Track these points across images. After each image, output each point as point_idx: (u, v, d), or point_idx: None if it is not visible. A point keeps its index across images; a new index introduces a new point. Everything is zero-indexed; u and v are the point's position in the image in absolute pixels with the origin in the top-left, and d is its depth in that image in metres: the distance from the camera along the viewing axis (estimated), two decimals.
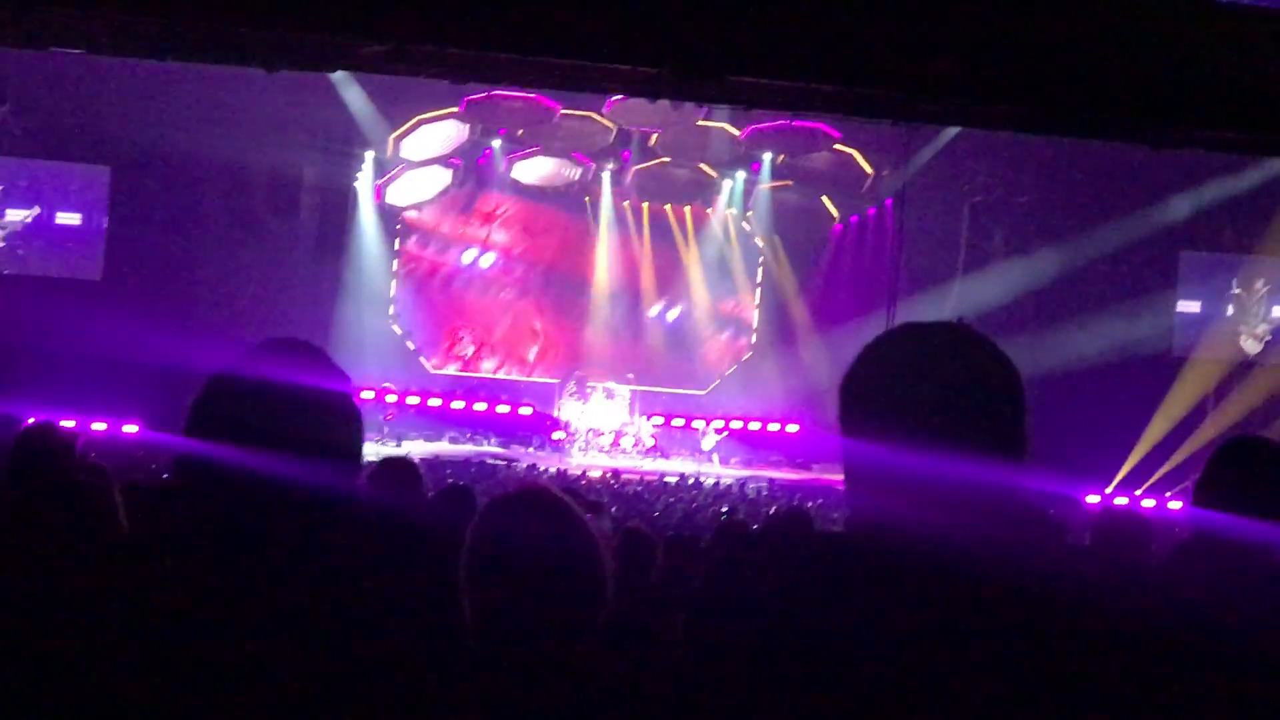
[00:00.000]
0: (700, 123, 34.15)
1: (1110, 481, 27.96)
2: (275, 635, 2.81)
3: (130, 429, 26.76)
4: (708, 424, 35.17)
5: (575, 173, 35.94)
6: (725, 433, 35.16)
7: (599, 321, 37.64)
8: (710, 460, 34.25)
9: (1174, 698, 2.67)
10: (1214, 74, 13.29)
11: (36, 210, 31.32)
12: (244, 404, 2.93)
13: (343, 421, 3.06)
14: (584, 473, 30.01)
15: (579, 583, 3.93)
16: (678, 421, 35.28)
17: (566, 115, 33.69)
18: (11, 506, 6.16)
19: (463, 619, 3.86)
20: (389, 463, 9.23)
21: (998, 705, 2.45)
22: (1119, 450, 29.44)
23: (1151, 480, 29.39)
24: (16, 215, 31.29)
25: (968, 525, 2.49)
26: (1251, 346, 33.20)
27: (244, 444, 2.88)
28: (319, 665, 2.81)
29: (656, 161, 35.92)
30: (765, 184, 36.46)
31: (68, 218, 31.45)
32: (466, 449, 33.49)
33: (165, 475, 17.70)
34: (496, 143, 35.40)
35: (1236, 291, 33.23)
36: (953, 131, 30.33)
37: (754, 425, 35.84)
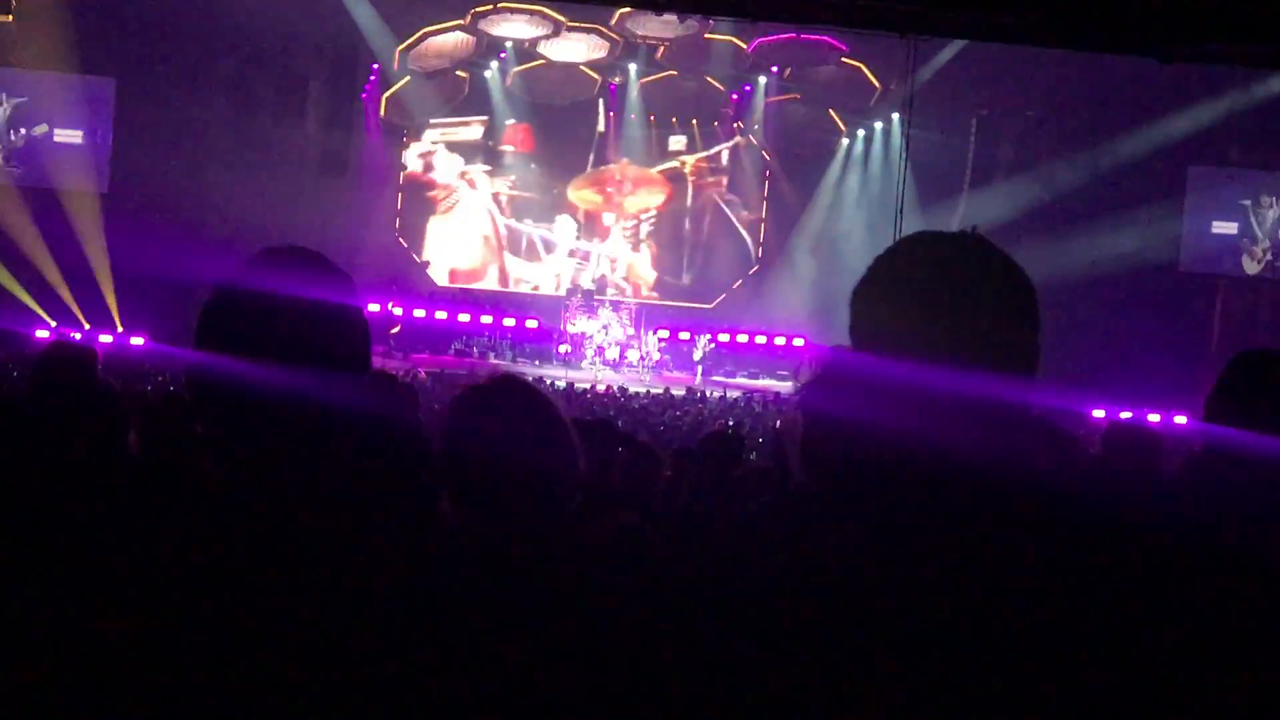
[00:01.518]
0: (707, 35, 34.05)
1: (1117, 395, 27.95)
2: (284, 548, 2.80)
3: (137, 341, 26.78)
4: (694, 335, 35.14)
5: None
6: (713, 345, 35.14)
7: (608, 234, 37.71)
8: (695, 372, 34.29)
9: (1184, 612, 2.66)
10: None
11: (80, 133, 31.28)
12: (249, 315, 2.91)
13: (349, 329, 3.04)
14: (591, 386, 30.04)
15: (553, 459, 3.95)
16: (684, 335, 35.24)
17: (573, 28, 33.61)
18: (34, 423, 6.15)
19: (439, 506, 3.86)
20: (379, 378, 9.22)
21: (1009, 616, 2.44)
22: (1126, 364, 29.42)
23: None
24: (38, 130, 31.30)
25: (976, 435, 2.47)
26: (1250, 267, 33.15)
27: (253, 355, 2.87)
28: (326, 576, 2.81)
29: (663, 74, 35.82)
30: (772, 97, 36.39)
31: (70, 134, 31.35)
32: (473, 361, 33.52)
33: (172, 388, 17.73)
34: (503, 54, 35.30)
35: (1244, 203, 33.14)
36: (959, 45, 30.22)
37: (760, 339, 35.84)
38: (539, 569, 3.66)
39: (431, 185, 36.86)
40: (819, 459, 2.75)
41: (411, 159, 36.68)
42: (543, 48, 35.11)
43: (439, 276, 36.77)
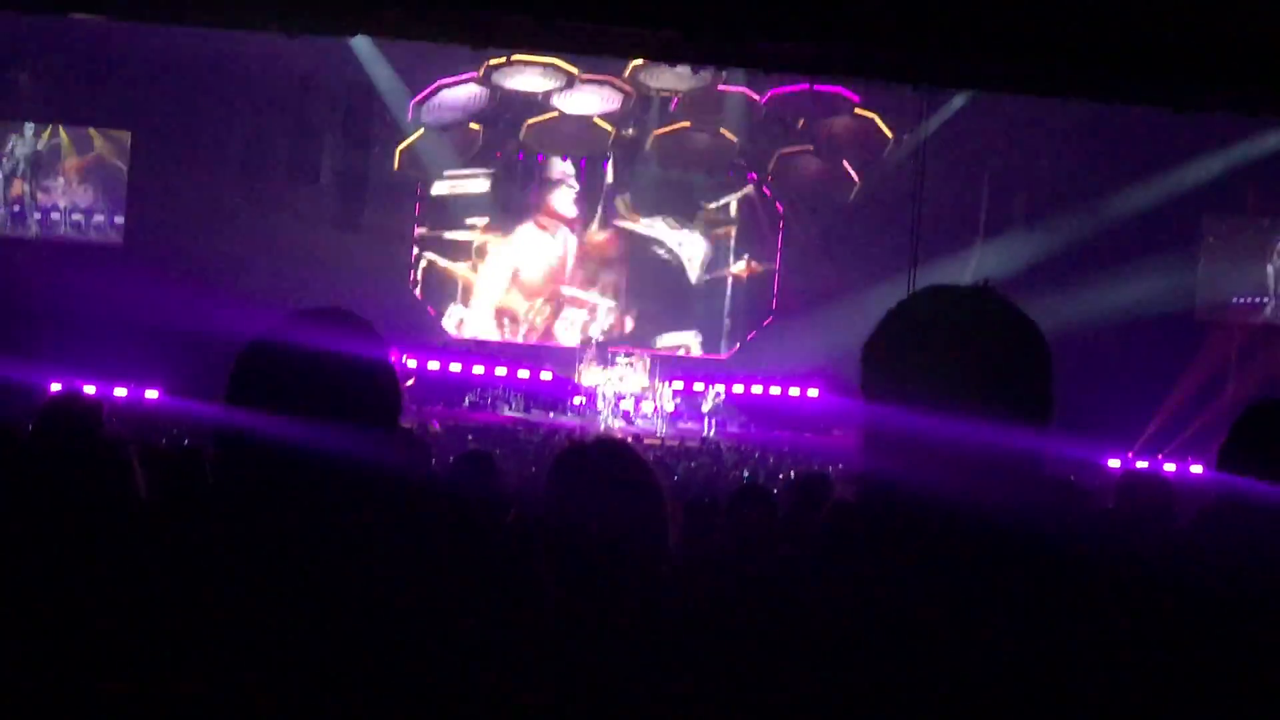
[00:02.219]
0: (721, 87, 34.14)
1: (1132, 445, 27.94)
2: (309, 608, 2.81)
3: (151, 394, 26.82)
4: (708, 387, 35.19)
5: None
6: (722, 397, 35.17)
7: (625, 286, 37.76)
8: (705, 424, 34.31)
9: (1197, 662, 2.66)
10: (1235, 33, 13.24)
11: (62, 181, 31.40)
12: (284, 371, 2.94)
13: (381, 388, 3.06)
14: None
15: (649, 530, 3.97)
16: (698, 386, 35.25)
17: (586, 79, 33.71)
18: (36, 476, 6.17)
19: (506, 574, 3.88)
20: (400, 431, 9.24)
21: (1021, 669, 2.44)
22: (1141, 413, 29.40)
23: (1172, 444, 29.39)
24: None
25: (990, 490, 2.48)
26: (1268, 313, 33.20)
27: (284, 412, 2.89)
28: (350, 634, 2.81)
29: (677, 126, 35.91)
30: (785, 149, 36.48)
31: (86, 188, 31.47)
32: (487, 414, 33.57)
33: (186, 441, 17.74)
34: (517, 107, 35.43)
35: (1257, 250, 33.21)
36: (971, 95, 30.29)
37: (775, 390, 35.85)
38: (627, 642, 3.67)
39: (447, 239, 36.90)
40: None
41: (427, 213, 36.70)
42: (556, 100, 35.17)
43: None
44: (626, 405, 34.65)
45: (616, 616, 3.77)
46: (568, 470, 4.10)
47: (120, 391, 26.28)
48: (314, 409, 2.90)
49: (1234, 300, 33.27)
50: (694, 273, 38.06)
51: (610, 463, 4.08)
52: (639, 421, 33.98)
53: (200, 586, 2.79)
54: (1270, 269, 33.15)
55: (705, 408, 34.80)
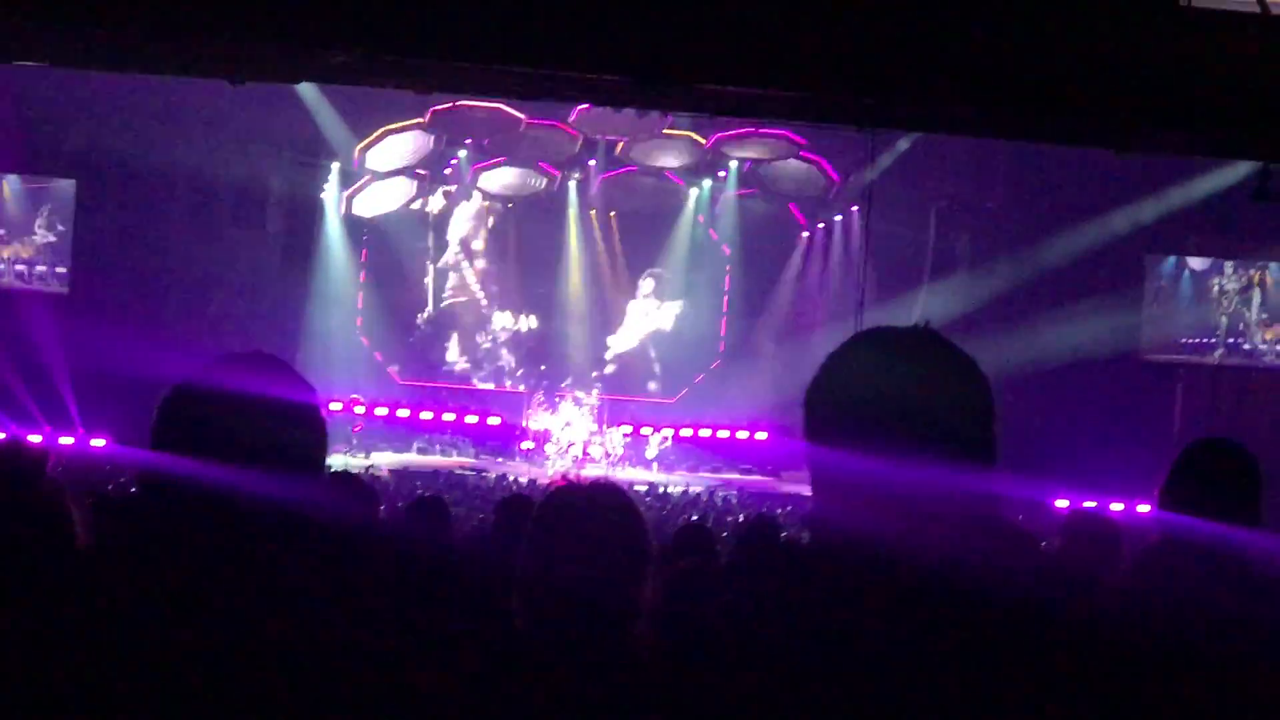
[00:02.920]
0: (666, 131, 34.17)
1: (1078, 485, 27.99)
2: (235, 648, 2.80)
3: (98, 443, 26.68)
4: (655, 431, 35.22)
5: (541, 182, 35.96)
6: (668, 442, 35.22)
7: (567, 330, 37.74)
8: (652, 467, 34.31)
9: (1142, 705, 2.67)
10: (1177, 77, 13.34)
11: (40, 234, 31.23)
12: (207, 415, 2.93)
13: (306, 432, 3.05)
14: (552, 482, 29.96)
15: (628, 583, 3.96)
16: (646, 430, 35.25)
17: (532, 124, 33.73)
18: None
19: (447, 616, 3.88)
20: (340, 477, 9.24)
21: (969, 711, 2.45)
22: (1087, 454, 29.46)
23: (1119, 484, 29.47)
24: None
25: (935, 534, 2.49)
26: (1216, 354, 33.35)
27: (208, 456, 2.88)
28: (281, 677, 2.80)
29: (623, 170, 35.95)
30: (731, 191, 36.55)
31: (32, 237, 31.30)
32: (435, 459, 33.51)
33: (133, 489, 17.66)
34: (463, 153, 35.43)
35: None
36: (916, 137, 30.39)
37: (723, 433, 35.87)
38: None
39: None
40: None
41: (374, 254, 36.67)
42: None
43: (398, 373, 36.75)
44: (575, 450, 34.62)
45: (586, 669, 3.77)
46: (556, 518, 4.08)
47: (67, 440, 26.11)
48: (237, 453, 2.89)
49: (1178, 340, 33.42)
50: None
51: (602, 516, 4.06)
52: (588, 466, 33.92)
53: (129, 632, 2.78)
54: (1214, 310, 33.32)
55: (650, 454, 34.82)
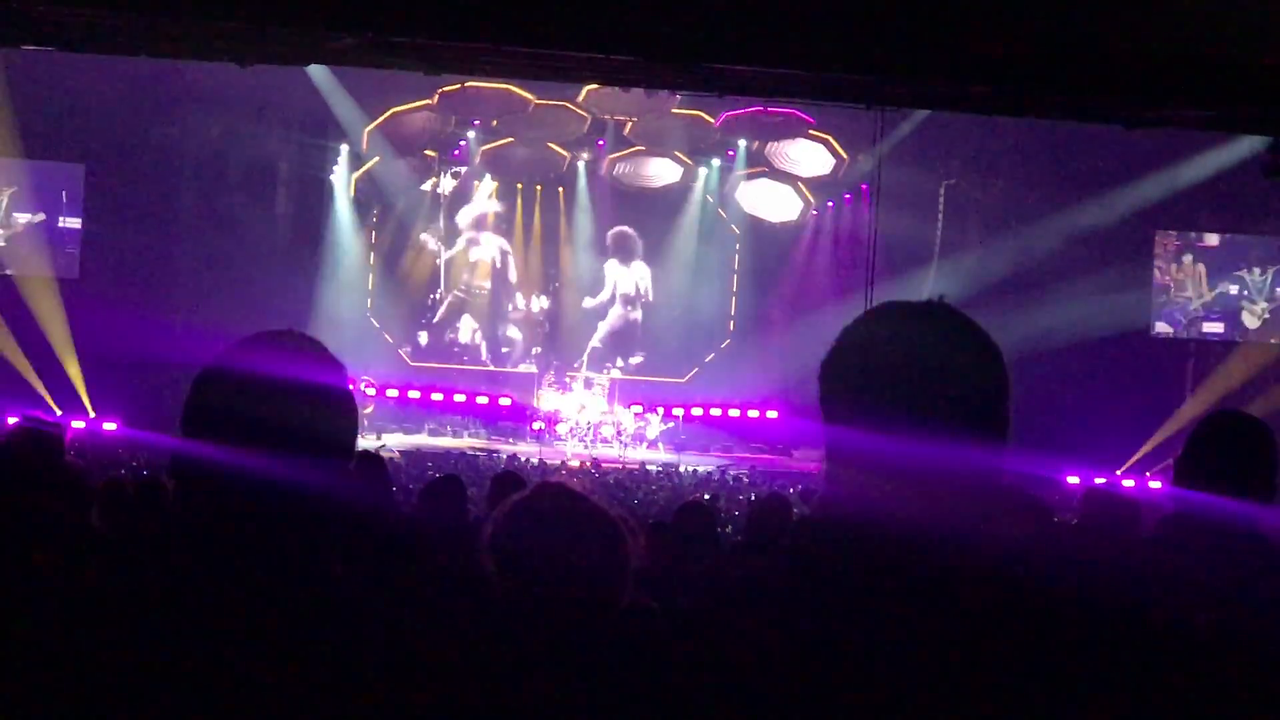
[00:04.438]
0: (675, 110, 34.13)
1: (1090, 462, 27.94)
2: (269, 636, 2.79)
3: (109, 426, 26.71)
4: (649, 411, 35.23)
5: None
6: (670, 422, 35.24)
7: (579, 310, 37.74)
8: (656, 447, 34.32)
9: (1160, 676, 2.67)
10: (1186, 51, 13.30)
11: (42, 216, 31.20)
12: (239, 399, 2.89)
13: (339, 416, 3.01)
14: (564, 462, 30.03)
15: (602, 571, 3.98)
16: (659, 410, 35.27)
17: (540, 105, 33.70)
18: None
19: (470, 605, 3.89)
20: (362, 458, 9.23)
21: (989, 688, 2.44)
22: (1099, 430, 29.43)
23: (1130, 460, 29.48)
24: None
25: (949, 507, 2.48)
26: (1251, 321, 33.37)
27: (240, 441, 2.85)
28: (311, 664, 2.79)
29: (631, 150, 35.92)
30: (741, 171, 36.52)
31: (24, 216, 31.26)
32: (446, 441, 33.54)
33: (145, 472, 17.67)
34: (471, 134, 35.41)
35: (1241, 273, 33.40)
36: (925, 115, 30.33)
37: (734, 412, 35.89)
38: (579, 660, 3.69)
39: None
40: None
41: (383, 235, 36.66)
42: (511, 125, 35.22)
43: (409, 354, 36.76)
44: (586, 430, 34.65)
45: (575, 652, 3.79)
46: (520, 520, 4.10)
47: (78, 424, 26.14)
48: (270, 438, 2.85)
49: (1188, 316, 33.41)
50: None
51: (562, 512, 4.08)
52: (599, 446, 33.96)
53: (156, 619, 2.77)
54: (1226, 285, 33.33)
55: (651, 434, 34.83)
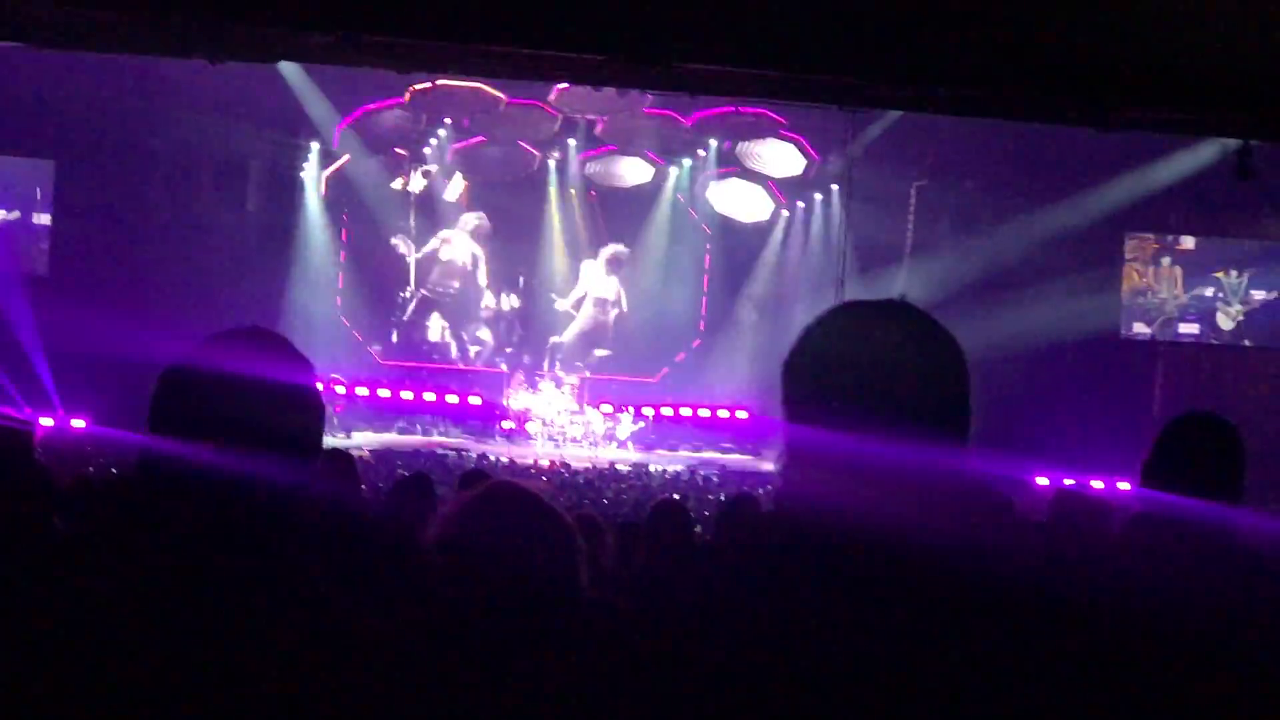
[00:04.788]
0: (646, 110, 34.15)
1: (1059, 463, 28.04)
2: (234, 634, 2.78)
3: (78, 423, 26.63)
4: (620, 411, 35.25)
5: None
6: (642, 423, 35.28)
7: (548, 309, 37.74)
8: (626, 447, 34.33)
9: (1125, 675, 2.67)
10: (1157, 54, 13.34)
11: (18, 214, 31.15)
12: (205, 396, 2.89)
13: (305, 413, 3.02)
14: (534, 461, 30.03)
15: (554, 572, 3.98)
16: (607, 408, 35.31)
17: (512, 104, 33.69)
18: None
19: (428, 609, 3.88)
20: (329, 455, 9.23)
21: (951, 685, 2.44)
22: (1067, 432, 29.51)
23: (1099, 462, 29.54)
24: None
25: (910, 505, 2.49)
26: (1225, 323, 33.50)
27: (206, 438, 2.84)
28: (281, 663, 2.79)
29: (603, 149, 35.94)
30: (712, 170, 36.54)
31: (7, 214, 31.22)
32: (416, 439, 33.52)
33: (113, 470, 17.64)
34: (442, 132, 35.39)
35: (1217, 275, 33.54)
36: (897, 115, 30.36)
37: (704, 412, 35.94)
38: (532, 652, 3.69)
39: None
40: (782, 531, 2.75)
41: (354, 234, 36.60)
42: (482, 124, 35.22)
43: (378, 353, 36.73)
44: (555, 430, 34.67)
45: (531, 651, 3.80)
46: (473, 519, 4.10)
47: (47, 421, 26.06)
48: (236, 435, 2.85)
49: (1157, 318, 33.53)
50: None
51: (511, 510, 4.09)
52: (569, 445, 33.98)
53: (122, 618, 2.76)
54: (1202, 288, 33.47)
55: (622, 434, 34.84)
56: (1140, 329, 33.59)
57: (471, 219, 37.07)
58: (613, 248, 37.69)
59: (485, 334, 37.63)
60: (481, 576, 3.93)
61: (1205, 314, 33.63)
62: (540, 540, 4.01)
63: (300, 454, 2.96)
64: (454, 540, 4.03)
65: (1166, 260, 33.74)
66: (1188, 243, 33.70)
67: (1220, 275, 33.48)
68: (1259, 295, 33.39)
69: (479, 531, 4.02)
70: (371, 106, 33.74)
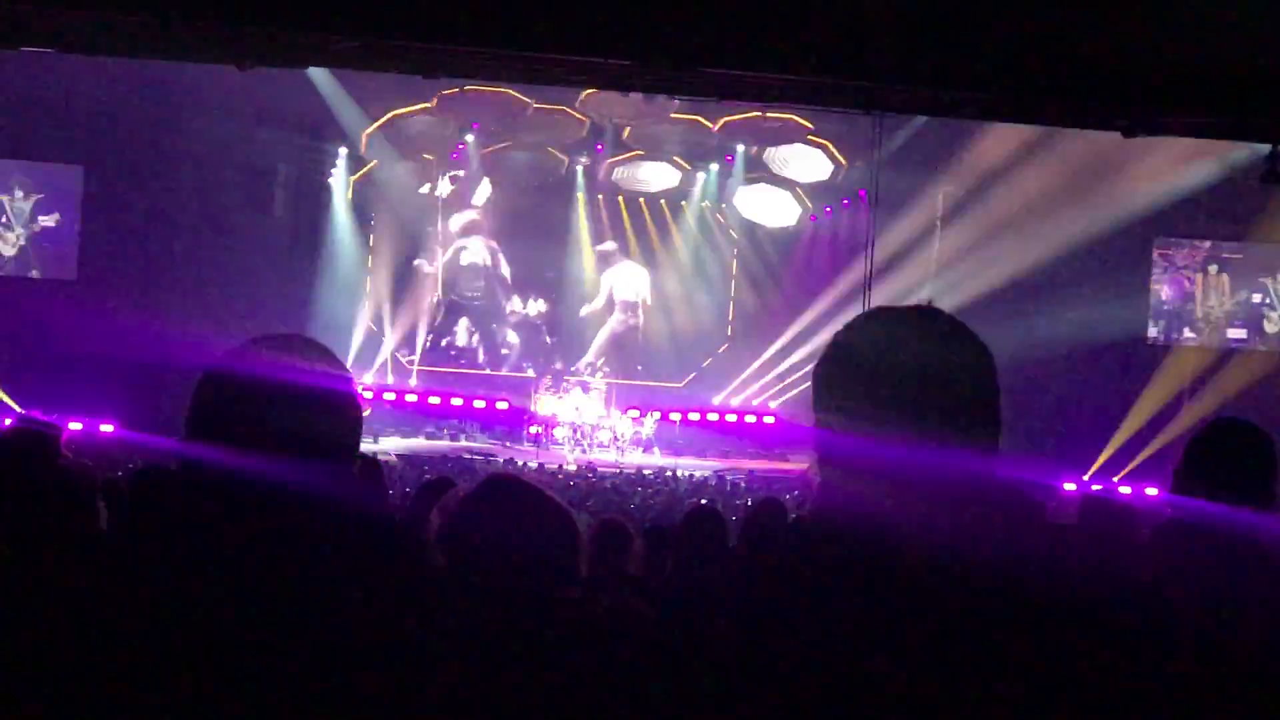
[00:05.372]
0: (673, 115, 34.15)
1: (1087, 469, 27.98)
2: (272, 637, 2.79)
3: (107, 428, 26.67)
4: (643, 414, 35.27)
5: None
6: (667, 425, 35.30)
7: (576, 314, 37.77)
8: (653, 452, 34.30)
9: (1155, 680, 2.67)
10: (1185, 58, 13.31)
11: (56, 216, 31.25)
12: (244, 401, 2.89)
13: (343, 420, 3.02)
14: (560, 467, 30.04)
15: (555, 559, 4.00)
16: (655, 414, 35.31)
17: (539, 109, 33.71)
18: None
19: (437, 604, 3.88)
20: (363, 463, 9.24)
21: (984, 690, 2.44)
22: (1096, 438, 29.45)
23: (1129, 468, 29.43)
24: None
25: (943, 510, 2.48)
26: (1271, 328, 33.44)
27: (246, 443, 2.85)
28: (311, 664, 2.79)
29: (630, 154, 35.95)
30: (739, 176, 36.53)
31: (46, 219, 31.32)
32: (443, 444, 33.54)
33: (141, 471, 17.63)
34: (470, 137, 35.39)
35: (1265, 281, 33.49)
36: (923, 120, 30.33)
37: (731, 417, 35.94)
38: (535, 650, 3.69)
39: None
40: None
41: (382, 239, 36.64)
42: (510, 129, 35.23)
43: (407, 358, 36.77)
44: (582, 434, 34.67)
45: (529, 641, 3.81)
46: (463, 516, 4.12)
47: (75, 425, 26.10)
48: (275, 441, 2.86)
49: (1186, 323, 33.44)
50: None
51: (505, 501, 4.11)
52: (596, 450, 33.99)
53: (159, 622, 2.77)
54: (1223, 292, 33.36)
55: (645, 434, 34.83)
56: (1189, 335, 33.47)
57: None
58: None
59: (513, 338, 37.67)
60: (481, 565, 3.95)
61: (1252, 320, 33.52)
62: (538, 529, 4.03)
63: (337, 460, 2.96)
64: (455, 532, 4.05)
65: (1214, 268, 33.64)
66: (1234, 249, 33.61)
67: (1267, 281, 33.39)
68: None
69: (479, 522, 4.04)
70: (400, 112, 33.77)
